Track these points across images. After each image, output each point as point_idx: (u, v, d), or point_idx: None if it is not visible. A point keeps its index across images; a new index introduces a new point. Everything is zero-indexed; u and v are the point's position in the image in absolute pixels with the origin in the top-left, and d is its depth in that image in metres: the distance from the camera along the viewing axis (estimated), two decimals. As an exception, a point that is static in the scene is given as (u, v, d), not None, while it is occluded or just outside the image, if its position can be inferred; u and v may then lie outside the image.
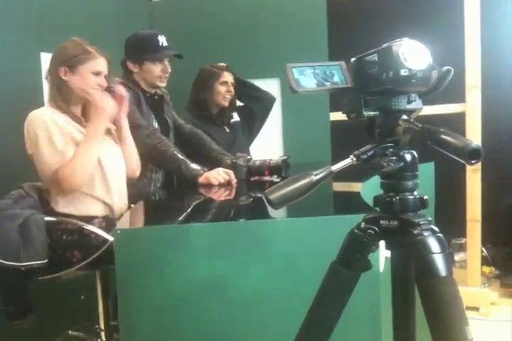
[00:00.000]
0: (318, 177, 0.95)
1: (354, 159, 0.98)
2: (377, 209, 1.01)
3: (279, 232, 1.44)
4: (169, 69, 2.47)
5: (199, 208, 1.96)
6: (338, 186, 2.22)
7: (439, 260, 0.89)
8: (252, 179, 2.46)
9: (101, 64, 1.96)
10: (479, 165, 3.24)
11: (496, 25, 3.53)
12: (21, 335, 1.97)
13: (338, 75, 0.99)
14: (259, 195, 2.07)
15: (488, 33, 3.33)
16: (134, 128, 2.20)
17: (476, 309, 3.29)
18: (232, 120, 3.01)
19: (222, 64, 2.93)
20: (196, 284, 1.39)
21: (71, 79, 1.91)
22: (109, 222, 1.88)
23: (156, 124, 2.49)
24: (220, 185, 2.24)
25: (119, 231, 1.40)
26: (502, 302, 3.39)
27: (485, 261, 3.64)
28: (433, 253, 0.89)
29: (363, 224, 1.01)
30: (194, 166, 2.28)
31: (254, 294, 1.40)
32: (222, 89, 2.86)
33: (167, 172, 2.56)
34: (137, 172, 2.17)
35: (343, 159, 0.99)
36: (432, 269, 0.88)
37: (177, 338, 1.42)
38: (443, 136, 0.85)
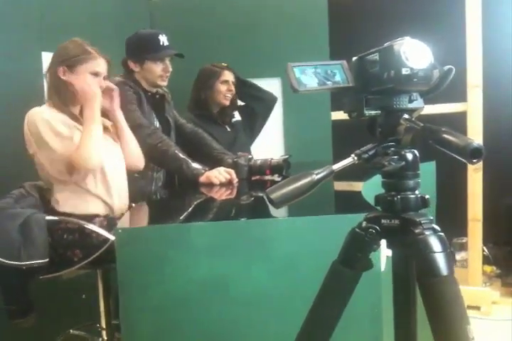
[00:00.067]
0: (319, 176, 0.95)
1: (355, 158, 0.98)
2: (379, 208, 1.01)
3: (281, 231, 1.44)
4: (170, 69, 2.47)
5: (200, 207, 1.96)
6: (340, 185, 2.22)
7: (440, 259, 0.89)
8: (253, 178, 2.46)
9: (100, 65, 1.96)
10: (480, 164, 3.24)
11: (498, 25, 3.53)
12: (23, 334, 1.97)
13: (339, 74, 0.99)
14: (261, 194, 2.07)
15: (489, 32, 3.33)
16: (135, 127, 2.20)
17: (478, 308, 3.29)
18: (234, 119, 3.01)
19: (222, 63, 2.93)
20: (197, 283, 1.39)
21: (70, 79, 1.91)
22: (110, 221, 1.88)
23: (157, 123, 2.49)
24: (221, 185, 2.24)
25: (120, 231, 1.40)
26: (503, 302, 3.39)
27: (486, 260, 3.64)
28: (434, 252, 0.89)
29: (364, 223, 1.01)
30: (195, 165, 2.28)
31: (255, 293, 1.40)
32: (223, 88, 2.86)
33: (168, 172, 2.56)
34: (140, 165, 2.17)
35: (345, 158, 0.99)
36: (434, 268, 0.88)
37: (178, 337, 1.42)
38: (444, 135, 0.85)
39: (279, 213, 1.54)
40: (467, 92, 3.34)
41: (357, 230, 1.01)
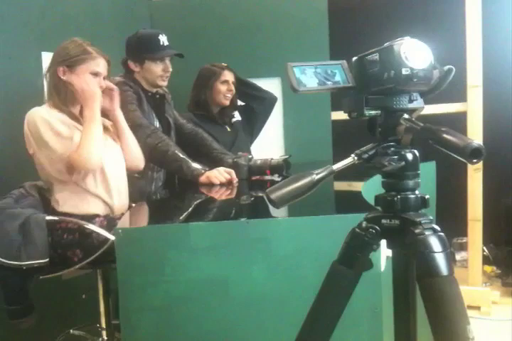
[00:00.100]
0: (319, 176, 0.95)
1: (355, 158, 0.98)
2: (379, 208, 1.01)
3: (280, 231, 1.44)
4: (170, 69, 2.47)
5: (200, 207, 1.96)
6: (339, 185, 2.22)
7: (440, 259, 0.89)
8: (253, 178, 2.46)
9: (100, 65, 1.96)
10: (480, 164, 3.24)
11: (498, 25, 3.53)
12: (23, 334, 1.98)
13: (339, 74, 0.99)
14: (261, 194, 2.07)
15: (489, 32, 3.33)
16: (135, 127, 2.20)
17: (478, 308, 3.29)
18: (234, 119, 3.01)
19: (222, 63, 2.93)
20: (197, 283, 1.40)
21: (69, 79, 1.91)
22: (110, 222, 1.88)
23: (157, 123, 2.49)
24: (221, 185, 2.24)
25: (120, 231, 1.40)
26: (503, 302, 3.39)
27: (486, 261, 3.65)
28: (434, 252, 0.89)
29: (364, 223, 1.01)
30: (195, 165, 2.28)
31: (255, 293, 1.40)
32: (222, 88, 2.85)
33: (168, 172, 2.56)
34: (140, 165, 2.17)
35: (345, 158, 0.99)
36: (433, 268, 0.88)
37: (178, 337, 1.42)
38: (444, 135, 0.85)
39: (279, 213, 1.54)
40: (467, 92, 3.34)
41: (357, 230, 1.01)
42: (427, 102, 0.98)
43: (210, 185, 2.23)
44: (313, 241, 1.41)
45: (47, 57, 2.29)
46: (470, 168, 3.33)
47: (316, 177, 0.95)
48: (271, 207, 0.96)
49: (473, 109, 3.34)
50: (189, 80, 2.90)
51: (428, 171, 2.74)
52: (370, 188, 1.73)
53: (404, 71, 0.90)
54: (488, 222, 3.42)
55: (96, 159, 1.84)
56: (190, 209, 1.96)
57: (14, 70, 2.39)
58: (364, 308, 1.38)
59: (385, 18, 3.73)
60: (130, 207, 2.07)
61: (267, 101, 3.11)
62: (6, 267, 1.69)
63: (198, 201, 2.13)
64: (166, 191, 2.57)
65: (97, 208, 1.93)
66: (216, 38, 3.41)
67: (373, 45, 0.97)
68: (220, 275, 1.40)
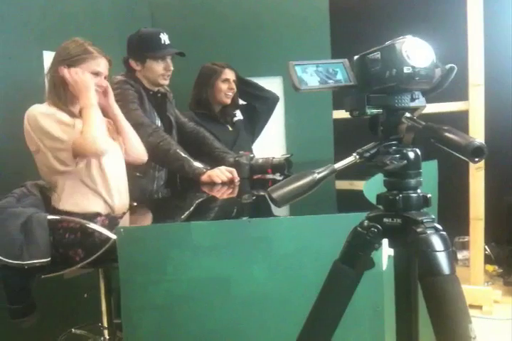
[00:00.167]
0: (321, 175, 0.95)
1: (357, 157, 0.98)
2: (380, 207, 1.00)
3: (282, 230, 1.43)
4: (171, 68, 2.47)
5: (202, 206, 1.96)
6: (341, 184, 2.22)
7: (442, 258, 0.89)
8: (254, 177, 2.46)
9: (101, 64, 1.96)
10: (482, 163, 3.24)
11: (499, 23, 3.52)
12: (25, 333, 1.98)
13: (341, 73, 0.99)
14: (262, 193, 2.07)
15: (491, 30, 3.33)
16: (137, 126, 2.20)
17: (479, 307, 3.29)
18: (235, 118, 3.01)
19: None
20: (199, 282, 1.40)
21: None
22: (111, 221, 1.88)
23: (158, 122, 2.49)
24: (223, 184, 2.24)
25: (121, 230, 1.40)
26: (505, 301, 3.39)
27: (488, 260, 3.64)
28: (436, 251, 0.89)
29: (366, 222, 1.01)
30: (197, 164, 2.29)
31: (257, 292, 1.40)
32: (223, 86, 2.85)
33: (170, 171, 2.56)
34: (144, 158, 2.18)
35: (346, 157, 0.99)
36: (435, 267, 0.88)
37: (180, 336, 1.42)
38: (446, 134, 0.84)
39: (281, 212, 1.54)
40: (469, 91, 3.34)
41: (359, 229, 1.01)
42: (428, 101, 0.98)
43: (212, 184, 2.24)
44: (314, 240, 1.41)
45: (48, 57, 2.29)
46: (472, 166, 3.33)
47: (317, 176, 0.95)
48: (272, 206, 0.96)
49: (475, 107, 3.33)
50: (190, 79, 2.90)
51: (430, 170, 2.73)
52: (372, 187, 1.73)
53: (406, 69, 0.89)
54: (490, 220, 3.41)
55: (101, 141, 1.84)
56: (191, 208, 1.96)
57: (15, 70, 2.39)
58: (366, 307, 1.38)
59: (386, 17, 3.72)
60: (131, 206, 2.07)
61: (269, 101, 3.11)
62: (7, 266, 1.69)
63: (199, 200, 2.14)
64: (167, 190, 2.57)
65: (97, 206, 1.92)
66: (217, 36, 3.41)
67: (375, 43, 0.97)
68: (221, 274, 1.40)
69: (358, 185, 2.00)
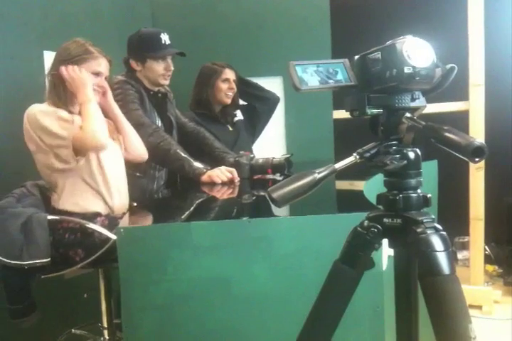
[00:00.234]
0: (321, 175, 0.95)
1: (357, 157, 0.98)
2: (381, 207, 1.00)
3: (282, 230, 1.43)
4: (172, 68, 2.47)
5: (202, 206, 1.96)
6: (341, 184, 2.22)
7: (442, 258, 0.89)
8: (254, 177, 2.46)
9: (101, 65, 1.96)
10: (482, 163, 3.24)
11: (500, 23, 3.53)
12: (24, 333, 1.98)
13: (341, 73, 0.99)
14: (262, 193, 2.07)
15: (491, 30, 3.33)
16: (137, 126, 2.21)
17: (479, 307, 3.29)
18: (236, 118, 3.01)
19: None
20: (199, 282, 1.40)
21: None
22: (111, 221, 1.88)
23: (159, 122, 2.49)
24: (223, 184, 2.24)
25: (122, 230, 1.40)
26: (505, 301, 3.39)
27: (488, 260, 3.64)
28: (436, 251, 0.89)
29: (366, 222, 1.00)
30: (197, 164, 2.29)
31: (257, 292, 1.40)
32: (224, 86, 2.85)
33: (170, 171, 2.56)
34: (144, 155, 2.19)
35: (346, 157, 0.99)
36: (435, 267, 0.88)
37: (180, 336, 1.42)
38: (446, 134, 0.84)
39: (281, 212, 1.54)
40: (469, 91, 3.34)
41: (359, 229, 1.01)
42: (429, 101, 0.98)
43: (212, 184, 2.24)
44: (314, 240, 1.41)
45: (49, 56, 2.29)
46: (472, 166, 3.33)
47: (317, 176, 0.94)
48: (273, 206, 0.96)
49: (476, 107, 3.33)
50: (191, 79, 2.90)
51: (430, 170, 2.73)
52: (372, 187, 1.73)
53: (407, 69, 0.89)
54: (490, 220, 3.41)
55: (101, 135, 1.84)
56: (191, 208, 1.96)
57: (16, 69, 2.39)
58: (366, 307, 1.38)
59: (386, 17, 3.72)
60: (131, 206, 2.07)
61: (270, 102, 3.11)
62: (7, 266, 1.69)
63: (199, 200, 2.14)
64: (167, 190, 2.57)
65: (97, 206, 1.92)
66: (218, 36, 3.41)
67: (375, 43, 0.97)
68: (221, 274, 1.40)
69: (358, 185, 2.00)
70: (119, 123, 2.10)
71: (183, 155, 2.29)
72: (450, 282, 0.88)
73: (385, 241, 1.02)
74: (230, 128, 2.95)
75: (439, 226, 0.93)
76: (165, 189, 2.56)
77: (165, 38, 2.43)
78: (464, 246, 3.85)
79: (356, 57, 1.00)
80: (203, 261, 1.40)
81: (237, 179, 2.31)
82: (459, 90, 3.21)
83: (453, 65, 0.94)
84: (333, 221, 1.42)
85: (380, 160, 0.95)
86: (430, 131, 0.88)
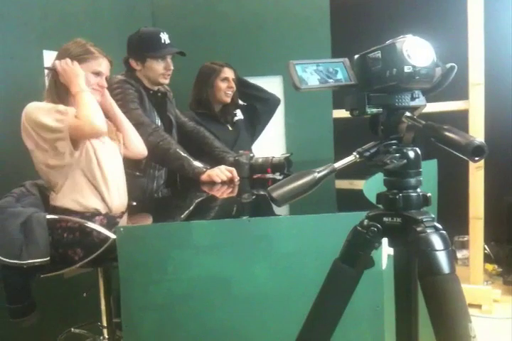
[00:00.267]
0: (321, 174, 0.95)
1: (357, 156, 0.98)
2: (380, 206, 1.00)
3: (282, 230, 1.44)
4: (172, 67, 2.47)
5: (202, 206, 1.96)
6: (341, 183, 2.22)
7: (442, 257, 0.89)
8: (254, 176, 2.46)
9: (102, 64, 1.97)
10: (482, 162, 3.24)
11: (500, 22, 3.53)
12: (24, 333, 1.98)
13: (341, 72, 0.99)
14: (262, 192, 2.07)
15: (491, 30, 3.33)
16: (137, 125, 2.21)
17: (479, 306, 3.29)
18: (236, 118, 3.01)
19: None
20: (199, 281, 1.40)
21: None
22: (110, 220, 1.88)
23: (159, 122, 2.49)
24: (223, 183, 2.24)
25: (121, 229, 1.40)
26: (505, 300, 3.39)
27: (487, 259, 3.65)
28: (436, 250, 0.89)
29: (365, 222, 1.00)
30: (197, 164, 2.29)
31: (257, 291, 1.40)
32: (223, 85, 2.85)
33: (170, 170, 2.56)
34: (144, 152, 2.21)
35: (346, 156, 0.99)
36: (435, 266, 0.88)
37: (180, 335, 1.42)
38: (446, 133, 0.84)
39: (281, 211, 1.54)
40: (469, 90, 3.34)
41: (358, 228, 1.01)
42: (429, 100, 0.98)
43: (212, 183, 2.24)
44: (314, 240, 1.41)
45: (48, 56, 2.29)
46: (472, 166, 3.33)
47: (317, 175, 0.94)
48: (272, 205, 0.96)
49: (475, 106, 3.33)
50: (191, 78, 2.90)
51: (430, 169, 2.73)
52: (372, 186, 1.73)
53: (407, 69, 0.89)
54: (489, 220, 3.41)
55: (98, 119, 1.84)
56: (191, 207, 1.96)
57: (16, 69, 2.38)
58: (366, 306, 1.38)
59: (386, 16, 3.72)
60: (130, 205, 2.07)
61: (270, 103, 3.10)
62: (7, 266, 1.69)
63: (199, 199, 2.14)
64: (167, 189, 2.57)
65: (96, 204, 1.92)
66: (218, 36, 3.41)
67: (375, 42, 0.97)
68: (221, 273, 1.40)
69: (358, 184, 2.00)
70: (119, 121, 2.11)
71: (182, 154, 2.29)
72: (450, 281, 0.88)
73: (384, 240, 1.02)
74: (230, 128, 2.95)
75: (439, 226, 0.93)
76: (165, 188, 2.56)
77: (165, 37, 2.43)
78: (464, 245, 3.85)
79: (356, 56, 1.00)
80: (203, 260, 1.40)
81: (236, 178, 2.31)
82: (458, 89, 3.21)
83: (453, 64, 0.94)
84: (333, 220, 1.42)
85: (379, 160, 0.95)
86: (430, 130, 0.88)
